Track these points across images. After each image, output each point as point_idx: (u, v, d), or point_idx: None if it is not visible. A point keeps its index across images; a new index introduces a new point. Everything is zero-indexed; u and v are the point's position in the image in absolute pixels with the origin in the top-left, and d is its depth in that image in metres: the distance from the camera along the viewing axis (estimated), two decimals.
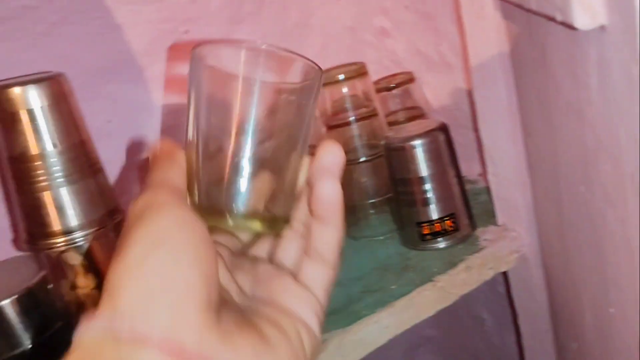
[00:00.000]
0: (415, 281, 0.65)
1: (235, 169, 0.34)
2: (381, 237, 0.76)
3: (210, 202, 0.34)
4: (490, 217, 0.74)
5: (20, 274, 0.66)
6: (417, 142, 0.68)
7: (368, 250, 0.75)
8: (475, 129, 0.77)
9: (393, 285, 0.66)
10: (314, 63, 0.36)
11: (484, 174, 0.80)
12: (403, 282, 0.66)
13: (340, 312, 0.63)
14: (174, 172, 0.33)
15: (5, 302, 0.63)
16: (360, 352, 0.61)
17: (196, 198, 0.33)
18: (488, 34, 0.64)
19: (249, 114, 0.33)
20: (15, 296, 0.63)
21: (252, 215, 0.34)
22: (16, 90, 0.51)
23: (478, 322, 1.04)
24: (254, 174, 0.34)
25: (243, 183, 0.34)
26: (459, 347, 1.13)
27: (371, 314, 0.61)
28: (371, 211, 0.77)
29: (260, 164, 0.34)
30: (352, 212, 0.78)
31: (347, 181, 0.77)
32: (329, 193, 0.34)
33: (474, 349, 1.09)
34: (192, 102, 0.34)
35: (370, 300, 0.64)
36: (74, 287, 0.54)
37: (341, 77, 0.73)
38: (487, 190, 0.78)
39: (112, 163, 0.62)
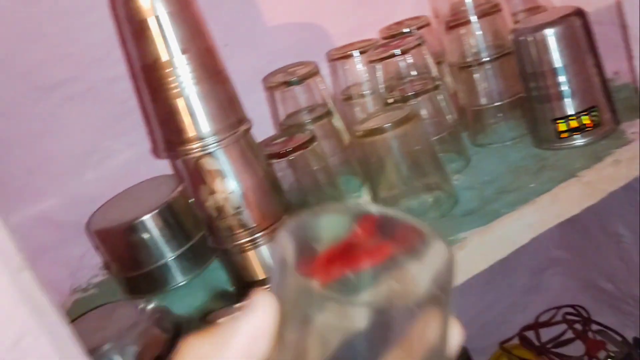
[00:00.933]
0: (557, 178, 0.61)
1: None
2: (509, 143, 0.72)
3: None
4: (635, 112, 0.68)
5: (161, 190, 0.69)
6: (550, 30, 0.63)
7: (497, 155, 0.70)
8: (620, 23, 0.70)
9: (531, 184, 0.62)
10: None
11: (630, 67, 0.72)
12: (542, 180, 0.62)
13: (476, 212, 0.60)
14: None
15: (147, 217, 0.66)
16: (502, 251, 0.58)
17: None
18: None
19: None
20: (156, 211, 0.66)
21: None
22: None
23: (614, 240, 0.97)
24: None
25: None
26: (593, 269, 1.07)
27: (512, 211, 0.58)
28: (499, 115, 0.72)
29: None
30: (477, 119, 0.74)
31: (470, 85, 0.73)
32: None
33: (610, 269, 1.02)
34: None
35: (508, 199, 0.60)
36: (212, 192, 0.55)
37: None
38: (630, 87, 0.71)
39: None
